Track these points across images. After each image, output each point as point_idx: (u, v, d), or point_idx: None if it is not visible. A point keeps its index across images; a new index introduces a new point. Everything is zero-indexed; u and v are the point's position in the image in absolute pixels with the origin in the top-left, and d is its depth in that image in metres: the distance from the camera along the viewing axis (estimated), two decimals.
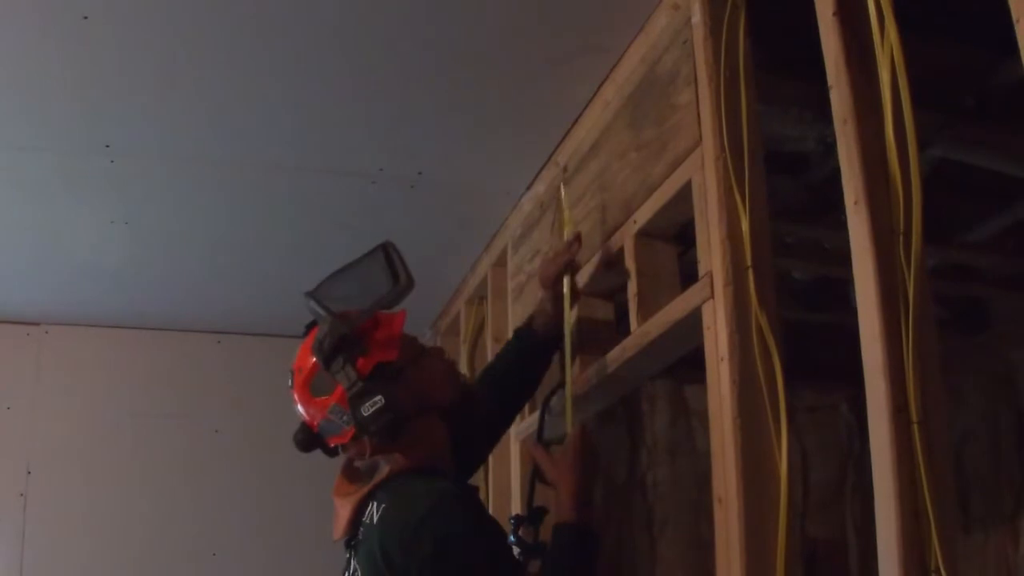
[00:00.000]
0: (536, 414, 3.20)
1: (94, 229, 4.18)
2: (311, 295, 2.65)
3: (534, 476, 3.09)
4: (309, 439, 2.69)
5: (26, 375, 5.20)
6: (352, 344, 2.56)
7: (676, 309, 2.62)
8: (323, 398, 2.59)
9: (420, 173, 3.80)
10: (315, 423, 2.65)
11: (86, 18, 2.84)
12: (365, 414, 2.50)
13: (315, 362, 2.58)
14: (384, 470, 2.59)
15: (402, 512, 2.47)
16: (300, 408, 2.68)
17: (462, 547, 2.41)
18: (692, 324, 2.52)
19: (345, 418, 2.54)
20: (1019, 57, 1.57)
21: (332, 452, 2.72)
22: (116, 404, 5.26)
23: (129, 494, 5.13)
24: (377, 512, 2.53)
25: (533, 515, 2.98)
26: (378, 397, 2.50)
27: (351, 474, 2.72)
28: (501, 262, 4.13)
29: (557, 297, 3.09)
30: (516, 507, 3.56)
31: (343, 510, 2.65)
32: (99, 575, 4.98)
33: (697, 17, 2.60)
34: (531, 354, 3.15)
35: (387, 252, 2.68)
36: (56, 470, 5.09)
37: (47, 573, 4.94)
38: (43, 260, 4.53)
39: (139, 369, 5.36)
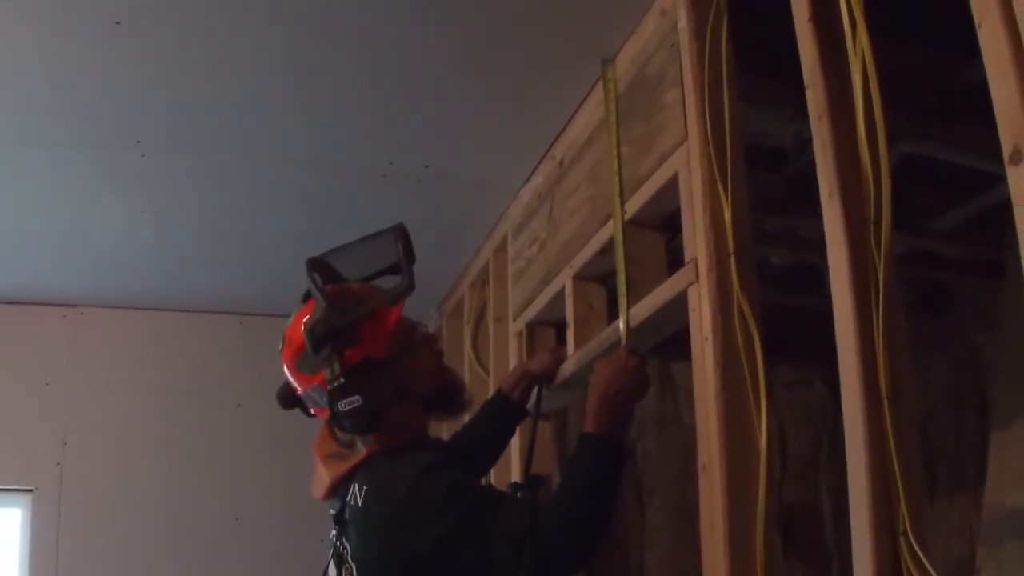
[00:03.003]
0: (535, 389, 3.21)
1: (125, 219, 4.18)
2: (312, 269, 2.55)
3: (531, 445, 3.09)
4: (290, 400, 2.61)
5: (62, 353, 5.21)
6: (343, 336, 2.42)
7: (664, 292, 2.63)
8: (307, 375, 2.50)
9: (427, 167, 3.81)
10: (298, 392, 2.56)
11: (118, 23, 2.85)
12: (341, 409, 2.38)
13: (304, 341, 2.44)
14: (362, 451, 2.51)
15: (387, 493, 2.40)
16: (286, 371, 2.58)
17: (456, 502, 2.32)
18: (678, 306, 2.52)
19: (324, 400, 2.43)
20: (981, 59, 1.57)
21: (311, 415, 2.63)
22: (146, 380, 5.27)
23: (158, 463, 5.15)
24: (360, 495, 2.43)
25: (531, 482, 2.98)
26: (356, 397, 2.37)
27: (332, 436, 2.62)
28: (502, 248, 4.13)
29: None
30: (516, 476, 3.56)
31: (324, 473, 2.57)
32: (130, 538, 5.00)
33: (683, 22, 2.60)
34: (503, 419, 3.15)
35: (398, 232, 2.58)
36: (90, 441, 5.11)
37: (82, 536, 4.95)
38: (78, 247, 4.53)
39: (167, 347, 5.37)
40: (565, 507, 2.31)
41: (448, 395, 2.72)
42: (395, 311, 2.51)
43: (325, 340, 2.39)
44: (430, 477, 2.36)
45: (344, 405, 2.37)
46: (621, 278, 2.86)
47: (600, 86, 3.15)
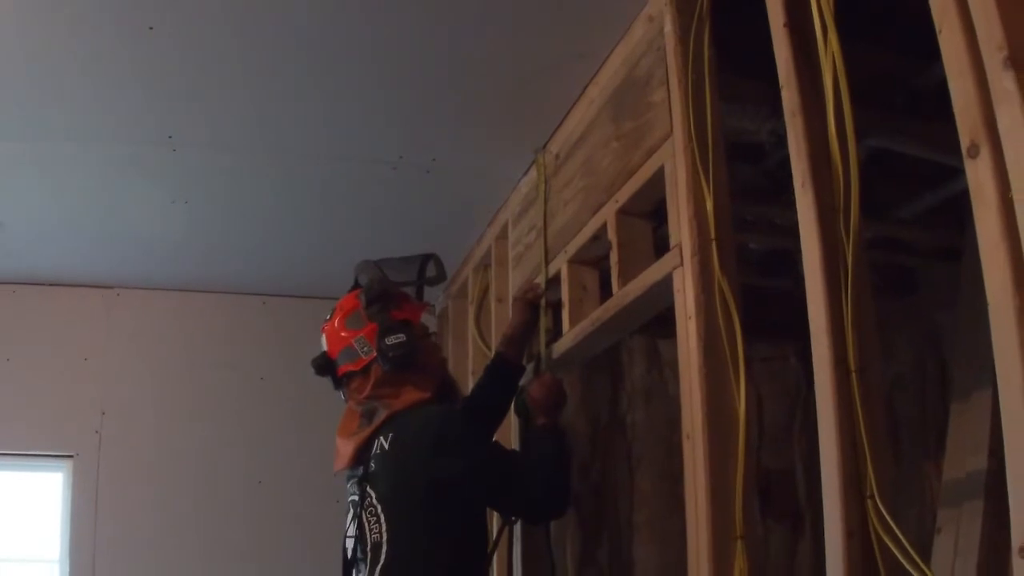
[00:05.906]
0: (532, 365, 3.33)
1: (158, 208, 4.19)
2: (374, 261, 3.04)
3: (522, 402, 3.16)
4: (324, 364, 2.99)
5: (100, 331, 5.20)
6: (390, 297, 2.96)
7: (651, 275, 2.63)
8: (353, 331, 2.92)
9: (434, 160, 3.81)
10: (336, 351, 2.94)
11: (151, 28, 2.86)
12: (388, 343, 2.83)
13: (356, 303, 2.94)
14: (383, 414, 2.84)
15: (416, 430, 2.76)
16: (327, 339, 2.99)
17: (481, 436, 2.89)
18: (664, 288, 2.53)
19: (366, 349, 2.88)
20: (941, 61, 1.57)
21: (338, 383, 2.99)
22: (176, 355, 5.28)
23: (188, 432, 5.15)
24: (386, 442, 2.74)
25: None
26: (401, 335, 2.86)
27: (352, 418, 2.95)
28: (503, 235, 4.13)
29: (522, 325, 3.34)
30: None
31: (346, 448, 2.92)
32: (163, 499, 5.02)
33: (669, 27, 2.59)
34: (503, 374, 3.31)
35: (435, 257, 3.17)
36: (126, 411, 5.11)
37: (118, 499, 4.96)
38: (115, 234, 4.54)
39: (196, 326, 5.36)
40: (544, 465, 2.84)
41: (450, 384, 3.13)
42: (422, 305, 3.13)
43: (378, 298, 2.93)
44: (454, 418, 2.86)
45: (391, 339, 2.85)
46: (542, 325, 3.34)
47: (592, 85, 3.16)
